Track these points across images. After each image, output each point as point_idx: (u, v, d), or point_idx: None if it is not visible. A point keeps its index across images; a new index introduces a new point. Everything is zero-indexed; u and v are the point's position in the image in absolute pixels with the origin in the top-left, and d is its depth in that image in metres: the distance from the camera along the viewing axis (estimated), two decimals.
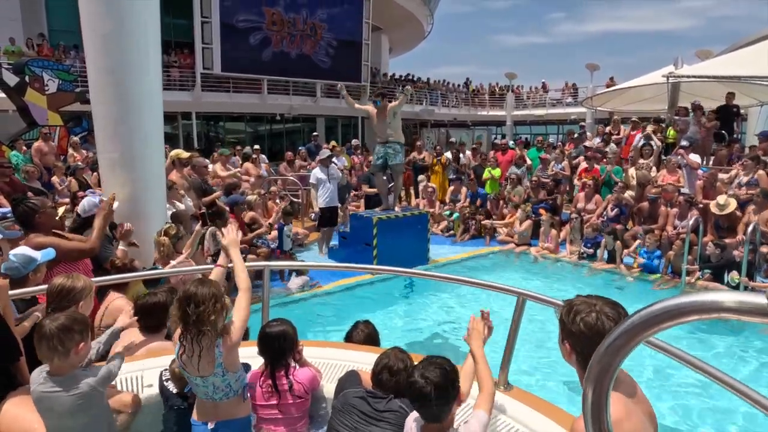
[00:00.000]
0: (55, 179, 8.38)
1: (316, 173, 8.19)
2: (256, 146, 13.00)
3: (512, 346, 2.49)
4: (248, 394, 2.22)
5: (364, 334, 3.08)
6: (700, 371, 1.79)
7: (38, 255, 2.78)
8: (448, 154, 11.97)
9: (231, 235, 2.54)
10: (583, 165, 9.84)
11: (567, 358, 1.51)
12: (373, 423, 2.12)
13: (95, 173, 8.65)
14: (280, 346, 2.32)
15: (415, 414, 1.97)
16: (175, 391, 2.29)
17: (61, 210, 4.82)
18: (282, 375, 2.31)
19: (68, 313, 2.04)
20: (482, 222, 9.47)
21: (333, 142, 11.11)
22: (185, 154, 6.85)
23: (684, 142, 8.78)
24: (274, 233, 7.17)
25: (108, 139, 4.69)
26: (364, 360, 2.68)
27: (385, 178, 8.04)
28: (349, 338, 3.15)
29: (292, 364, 2.39)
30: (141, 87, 4.61)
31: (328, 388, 2.52)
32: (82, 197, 4.70)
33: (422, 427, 1.91)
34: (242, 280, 2.29)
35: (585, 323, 1.41)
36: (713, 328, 5.32)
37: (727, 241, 6.72)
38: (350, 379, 2.41)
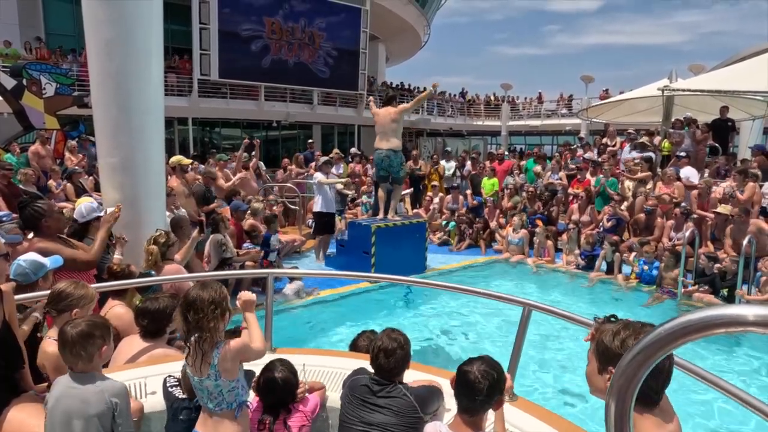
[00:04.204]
0: (51, 183, 8.34)
1: (318, 177, 8.23)
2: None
3: (518, 357, 2.50)
4: (242, 412, 2.08)
5: (369, 342, 3.06)
6: (707, 382, 1.81)
7: (47, 261, 2.75)
8: (444, 163, 12.05)
9: (246, 295, 2.27)
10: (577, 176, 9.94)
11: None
12: (377, 410, 2.13)
13: (91, 177, 8.63)
14: (281, 395, 2.20)
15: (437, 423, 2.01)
16: (183, 396, 2.25)
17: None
18: (279, 421, 2.18)
19: (88, 319, 2.06)
20: (483, 226, 9.50)
21: (336, 150, 11.14)
22: (186, 161, 6.84)
23: (682, 154, 8.93)
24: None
25: (108, 144, 4.66)
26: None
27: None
28: (354, 347, 3.13)
29: (292, 406, 2.24)
30: (143, 92, 4.59)
31: (333, 397, 2.51)
32: None
33: (453, 421, 1.93)
34: (257, 340, 2.12)
35: None
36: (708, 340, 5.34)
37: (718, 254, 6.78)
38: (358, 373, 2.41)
